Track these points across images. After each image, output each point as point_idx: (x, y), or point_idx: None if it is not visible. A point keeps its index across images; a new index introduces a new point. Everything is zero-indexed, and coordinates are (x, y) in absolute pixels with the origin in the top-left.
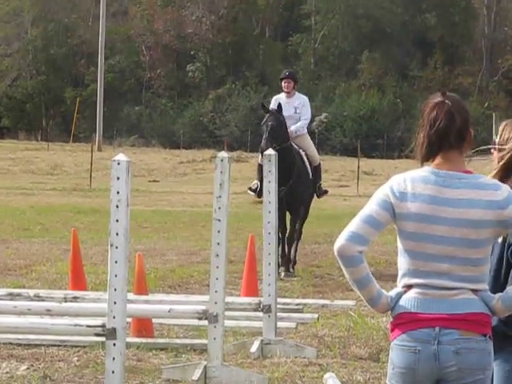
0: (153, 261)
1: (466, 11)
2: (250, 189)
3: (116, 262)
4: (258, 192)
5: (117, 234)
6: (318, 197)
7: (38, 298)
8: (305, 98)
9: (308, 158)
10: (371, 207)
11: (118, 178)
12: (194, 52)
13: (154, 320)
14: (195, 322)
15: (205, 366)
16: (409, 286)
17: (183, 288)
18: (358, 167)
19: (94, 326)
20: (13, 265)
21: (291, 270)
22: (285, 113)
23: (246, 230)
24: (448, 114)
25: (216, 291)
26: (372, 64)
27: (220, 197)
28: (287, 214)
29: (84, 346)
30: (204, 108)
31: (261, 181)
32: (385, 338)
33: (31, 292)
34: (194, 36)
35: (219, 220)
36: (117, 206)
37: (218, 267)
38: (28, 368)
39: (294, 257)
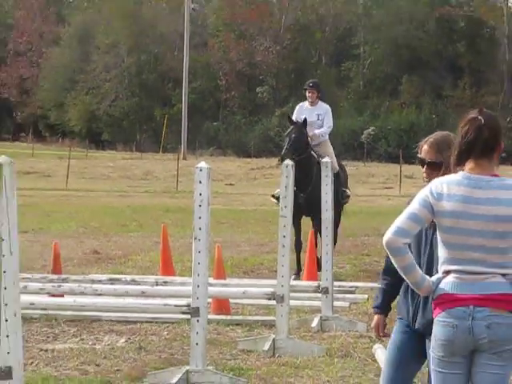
0: (229, 251)
1: (489, 41)
2: (273, 196)
3: (199, 252)
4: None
5: (199, 229)
6: (341, 202)
7: (134, 282)
8: (327, 107)
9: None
10: (414, 206)
11: (200, 182)
12: (263, 76)
13: (230, 300)
14: (265, 301)
15: (273, 339)
16: (447, 272)
17: (255, 273)
18: (400, 172)
19: (180, 305)
20: (113, 255)
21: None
22: (308, 118)
23: (305, 225)
24: (477, 128)
25: (282, 276)
26: (411, 86)
27: (285, 197)
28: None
29: (172, 323)
30: (271, 123)
31: None
32: None
33: (128, 277)
34: (263, 63)
35: (285, 216)
36: (199, 206)
37: (283, 256)
38: (126, 341)
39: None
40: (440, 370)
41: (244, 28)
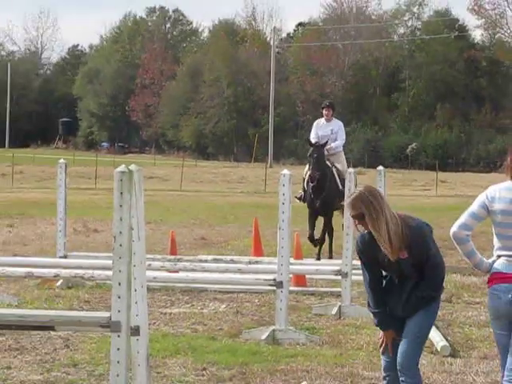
0: (305, 238)
1: (505, 76)
2: (296, 197)
3: (282, 238)
4: (303, 199)
5: (283, 221)
6: None
7: (232, 261)
8: (340, 124)
9: (338, 173)
10: (474, 206)
11: (284, 185)
12: None
13: (306, 276)
14: (333, 277)
15: (339, 306)
16: (499, 256)
17: (325, 255)
18: (436, 178)
19: (268, 279)
20: (216, 240)
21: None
22: (323, 133)
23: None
24: None
25: (346, 257)
26: (444, 111)
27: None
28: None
29: (262, 293)
30: None
31: (304, 191)
32: (455, 288)
33: (228, 257)
34: (331, 94)
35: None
36: (283, 203)
37: (347, 242)
38: (226, 307)
39: (331, 248)
40: (493, 328)
41: (316, 67)
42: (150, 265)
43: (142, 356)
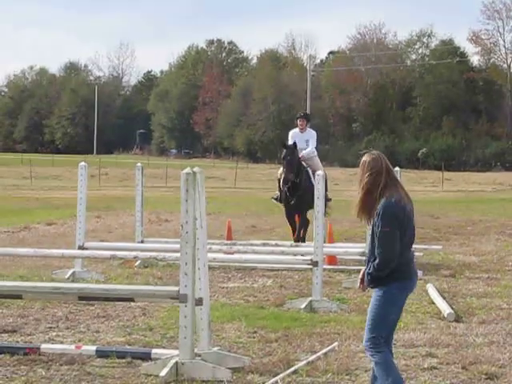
0: (336, 225)
1: (498, 93)
2: (272, 198)
3: (317, 226)
4: (279, 200)
5: (318, 212)
6: (326, 203)
7: (277, 245)
8: (314, 133)
9: (314, 174)
10: None
11: (318, 183)
12: (356, 117)
13: (337, 256)
14: (359, 257)
15: None
16: None
17: (351, 240)
18: (442, 176)
19: (306, 259)
20: (264, 228)
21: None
22: (299, 145)
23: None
24: None
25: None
26: (449, 122)
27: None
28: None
29: (301, 270)
30: (361, 146)
31: (280, 192)
32: (458, 266)
33: (273, 242)
34: (356, 109)
35: None
36: (317, 198)
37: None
38: (272, 281)
39: (304, 236)
40: None
41: (344, 87)
42: (210, 248)
43: (205, 322)
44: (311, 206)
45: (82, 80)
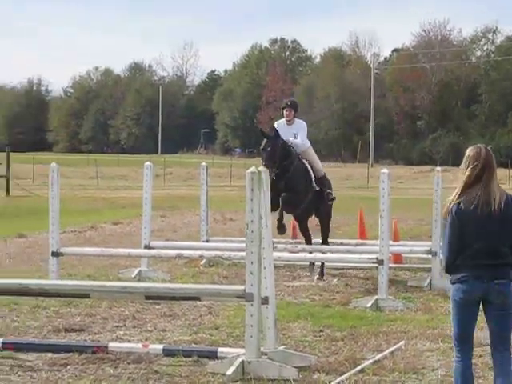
0: (401, 224)
1: None
2: None
3: (383, 224)
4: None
5: (383, 210)
6: (327, 202)
7: (342, 244)
8: (303, 125)
9: (312, 169)
10: None
11: (383, 181)
12: (420, 115)
13: (403, 255)
14: (424, 255)
15: (430, 279)
16: None
17: (417, 238)
18: (509, 173)
19: (371, 258)
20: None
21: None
22: (285, 138)
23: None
24: None
25: (435, 239)
26: None
27: (437, 190)
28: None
29: (366, 269)
30: (426, 144)
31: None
32: None
33: (339, 241)
34: (420, 106)
35: (436, 203)
36: (383, 196)
37: (436, 228)
38: (338, 280)
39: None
40: None
41: (408, 84)
42: (275, 247)
43: (271, 321)
44: (302, 201)
45: (146, 80)
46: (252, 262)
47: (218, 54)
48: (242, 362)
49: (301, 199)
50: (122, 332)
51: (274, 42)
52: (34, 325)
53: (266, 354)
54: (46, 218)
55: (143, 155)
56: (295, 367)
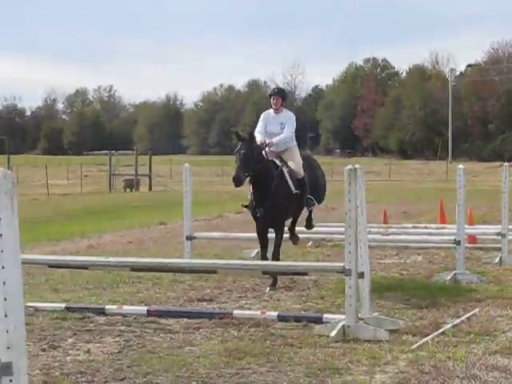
0: (476, 211)
1: None
2: (242, 205)
3: (459, 211)
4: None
5: (460, 199)
6: (307, 208)
7: (425, 227)
8: (291, 115)
9: (291, 173)
10: None
11: (460, 175)
12: (491, 119)
13: (477, 236)
14: (495, 237)
15: (500, 256)
16: None
17: (488, 222)
18: None
19: (450, 240)
20: (414, 213)
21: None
22: (272, 129)
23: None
24: None
25: (504, 223)
26: None
27: (505, 182)
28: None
29: (446, 248)
30: (495, 144)
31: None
32: None
33: (422, 225)
34: (491, 112)
35: (504, 192)
36: (459, 187)
37: (504, 213)
38: (422, 258)
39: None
40: None
41: (480, 94)
42: (369, 231)
43: (366, 292)
44: (286, 216)
45: (262, 94)
46: (350, 243)
47: (321, 72)
48: (343, 326)
49: (282, 219)
50: (243, 301)
51: (367, 61)
52: (173, 295)
53: (362, 319)
54: (181, 209)
55: None
56: (387, 330)
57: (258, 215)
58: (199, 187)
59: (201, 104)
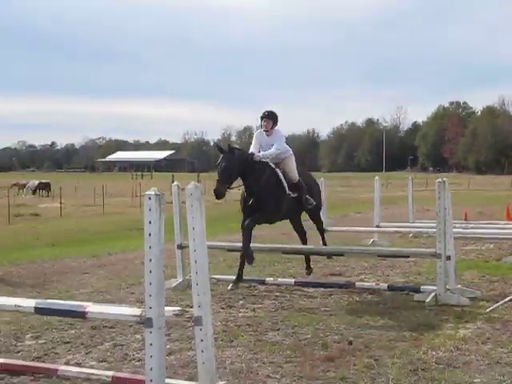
0: None
1: None
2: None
3: None
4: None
5: None
6: (306, 208)
7: (497, 223)
8: (280, 134)
9: (286, 177)
10: None
11: None
12: None
13: None
14: None
15: None
16: None
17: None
18: None
19: None
20: (487, 213)
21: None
22: (264, 148)
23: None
24: None
25: None
26: None
27: None
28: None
29: (510, 239)
30: None
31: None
32: None
33: (494, 221)
34: None
35: None
36: None
37: None
38: (493, 246)
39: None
40: None
41: None
42: (454, 226)
43: (452, 270)
44: (278, 214)
45: (375, 129)
46: (439, 235)
47: (418, 111)
48: (435, 294)
49: (276, 209)
50: (363, 276)
51: (452, 103)
52: (314, 271)
53: (449, 290)
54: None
55: (372, 172)
56: (467, 298)
57: (250, 203)
58: (330, 194)
59: (331, 135)
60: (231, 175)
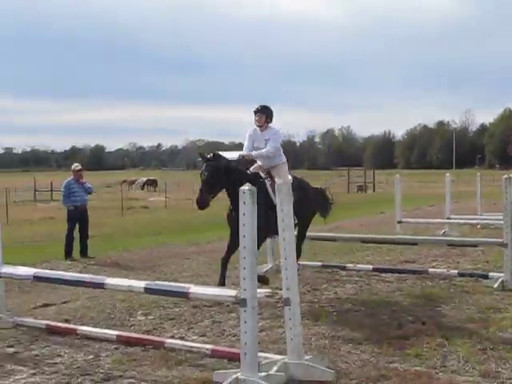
0: None
1: None
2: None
3: None
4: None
5: None
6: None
7: None
8: (275, 130)
9: (274, 186)
10: None
11: None
12: None
13: None
14: None
15: None
16: None
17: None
18: None
19: None
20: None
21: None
22: (258, 146)
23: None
24: None
25: None
26: None
27: None
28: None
29: None
30: None
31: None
32: None
33: None
34: None
35: None
36: None
37: None
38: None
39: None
40: None
41: None
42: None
43: (509, 257)
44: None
45: (446, 129)
46: (506, 226)
47: (485, 113)
48: (502, 280)
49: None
50: (435, 263)
51: None
52: (388, 259)
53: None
54: (393, 204)
55: (443, 170)
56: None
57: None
58: (405, 189)
59: (405, 136)
60: (215, 185)
